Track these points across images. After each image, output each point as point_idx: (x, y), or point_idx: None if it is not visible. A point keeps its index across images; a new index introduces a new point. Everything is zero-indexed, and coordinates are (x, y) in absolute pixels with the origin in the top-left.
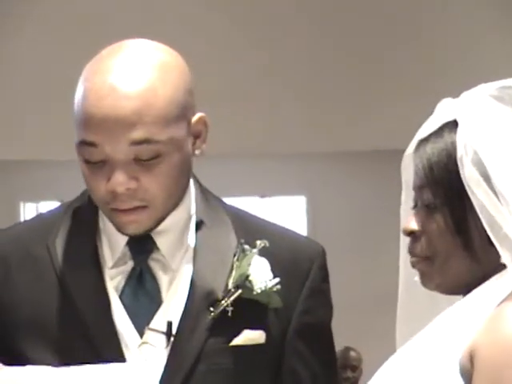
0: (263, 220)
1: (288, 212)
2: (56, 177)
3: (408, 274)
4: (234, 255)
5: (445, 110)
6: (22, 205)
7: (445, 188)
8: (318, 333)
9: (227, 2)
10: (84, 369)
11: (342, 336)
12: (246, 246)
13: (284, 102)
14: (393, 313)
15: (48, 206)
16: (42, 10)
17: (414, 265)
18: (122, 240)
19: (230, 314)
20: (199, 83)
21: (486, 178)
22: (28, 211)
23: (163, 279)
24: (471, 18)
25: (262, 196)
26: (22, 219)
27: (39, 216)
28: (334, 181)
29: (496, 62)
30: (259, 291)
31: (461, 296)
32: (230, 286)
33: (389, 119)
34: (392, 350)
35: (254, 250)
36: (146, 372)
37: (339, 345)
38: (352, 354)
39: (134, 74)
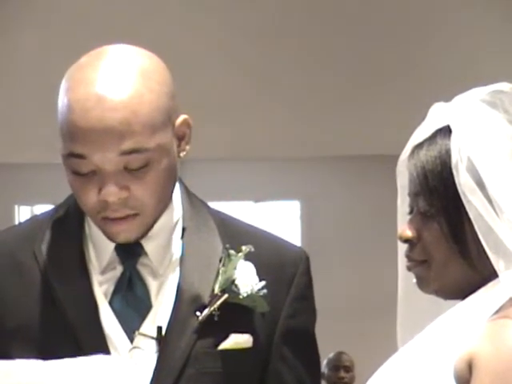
0: (248, 225)
1: (282, 217)
2: (51, 180)
3: (407, 279)
4: (220, 260)
5: (437, 115)
6: (16, 208)
7: (440, 196)
8: (303, 337)
9: (224, 8)
10: (73, 361)
11: (335, 341)
12: (232, 251)
13: (279, 108)
14: (387, 318)
15: (43, 209)
16: (41, 14)
17: (410, 268)
18: (110, 245)
19: (216, 318)
20: (195, 88)
21: (481, 186)
22: (23, 214)
23: (152, 284)
24: (470, 23)
25: (257, 201)
26: (16, 222)
27: (29, 220)
28: (329, 186)
29: (495, 67)
30: (245, 295)
31: (460, 300)
32: (216, 290)
33: (384, 124)
34: (385, 355)
35: (240, 255)
36: (134, 364)
37: (332, 350)
38: (345, 356)
39: (118, 83)
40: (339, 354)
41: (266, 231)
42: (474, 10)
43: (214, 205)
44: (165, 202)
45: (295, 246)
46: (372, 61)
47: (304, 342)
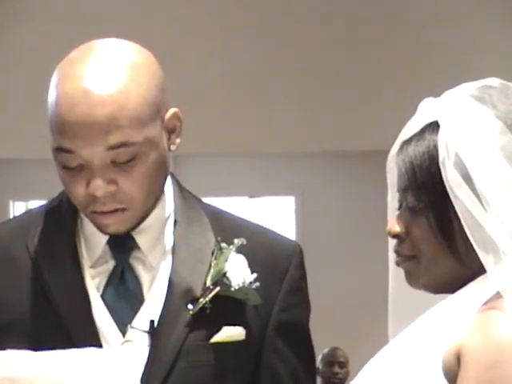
0: (241, 219)
1: (277, 212)
2: (46, 175)
3: (397, 274)
4: (212, 253)
5: (427, 110)
6: (11, 203)
7: (428, 192)
8: (297, 330)
9: (221, 6)
10: (65, 353)
11: (330, 336)
12: (224, 244)
13: (273, 102)
14: (381, 314)
15: (37, 204)
16: (41, 10)
17: (398, 264)
18: (102, 239)
19: (208, 311)
20: (190, 82)
21: (468, 181)
22: (17, 210)
23: (144, 277)
24: (469, 19)
25: (251, 196)
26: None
27: (23, 214)
28: (324, 181)
29: (494, 63)
30: (237, 288)
31: (449, 295)
32: (208, 283)
33: (380, 120)
34: (379, 351)
35: (231, 247)
36: (126, 357)
37: (326, 345)
38: (339, 352)
39: (106, 77)
40: (334, 350)
41: (259, 225)
42: (474, 3)
43: (209, 200)
44: (155, 196)
45: (289, 240)
46: (368, 57)
47: (298, 334)
